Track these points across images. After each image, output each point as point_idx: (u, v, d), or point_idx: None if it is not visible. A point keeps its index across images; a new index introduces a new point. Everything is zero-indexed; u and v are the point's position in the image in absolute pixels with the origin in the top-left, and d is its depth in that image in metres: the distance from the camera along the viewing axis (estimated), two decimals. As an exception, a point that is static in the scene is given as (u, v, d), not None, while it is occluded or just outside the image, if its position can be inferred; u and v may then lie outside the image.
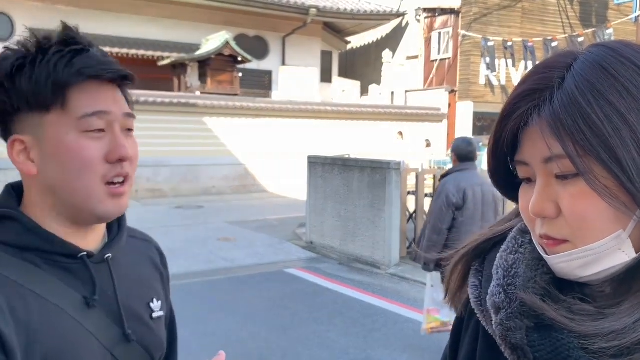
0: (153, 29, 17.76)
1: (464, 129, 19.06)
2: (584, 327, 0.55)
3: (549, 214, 0.59)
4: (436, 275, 4.13)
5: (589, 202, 0.56)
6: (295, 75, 18.86)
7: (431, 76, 20.06)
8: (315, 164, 8.82)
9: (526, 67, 18.82)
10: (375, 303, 5.88)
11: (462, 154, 4.18)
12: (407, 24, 21.38)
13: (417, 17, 20.50)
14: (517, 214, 0.72)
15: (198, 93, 16.03)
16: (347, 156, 10.19)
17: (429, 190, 7.43)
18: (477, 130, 19.96)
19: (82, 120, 0.81)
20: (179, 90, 17.27)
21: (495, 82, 19.22)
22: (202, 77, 16.80)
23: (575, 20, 20.42)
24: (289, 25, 19.71)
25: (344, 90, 19.66)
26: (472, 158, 4.22)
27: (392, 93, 19.28)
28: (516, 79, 19.41)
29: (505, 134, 0.61)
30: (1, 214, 0.82)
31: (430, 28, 20.25)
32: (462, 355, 0.74)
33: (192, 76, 17.39)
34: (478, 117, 19.98)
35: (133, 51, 17.06)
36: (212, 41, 16.71)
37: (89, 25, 16.89)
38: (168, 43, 17.97)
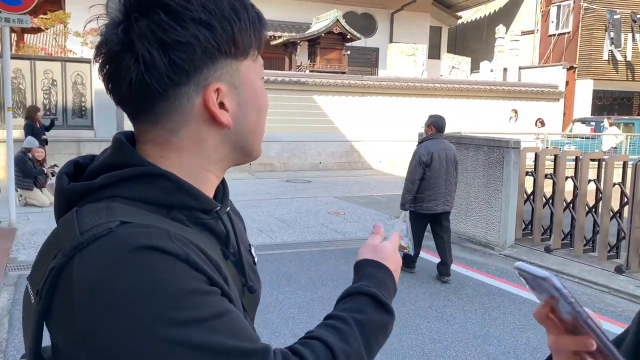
0: (267, 9, 18.26)
1: (583, 108, 17.93)
2: None
3: None
4: (406, 213, 5.79)
5: None
6: (403, 52, 18.65)
7: (548, 52, 18.98)
8: (427, 141, 8.79)
9: (658, 41, 17.23)
10: (491, 282, 5.86)
11: (439, 126, 5.92)
12: (523, -4, 20.32)
13: (535, -10, 19.40)
14: None
15: (307, 71, 16.41)
16: (460, 134, 10.03)
17: (549, 171, 7.17)
18: (597, 109, 18.67)
19: (261, 67, 0.85)
20: (290, 68, 17.78)
21: (619, 58, 17.80)
22: (312, 55, 17.14)
23: None
24: (398, 1, 19.49)
25: (454, 66, 19.15)
26: (443, 130, 5.97)
27: (505, 70, 18.51)
28: (645, 54, 17.85)
29: None
30: (151, 172, 0.77)
31: (549, 1, 19.08)
32: None
33: (301, 54, 17.80)
34: (599, 95, 18.65)
35: (247, 30, 17.79)
36: (322, 20, 16.95)
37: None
38: (280, 23, 18.51)
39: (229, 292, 0.73)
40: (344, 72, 16.74)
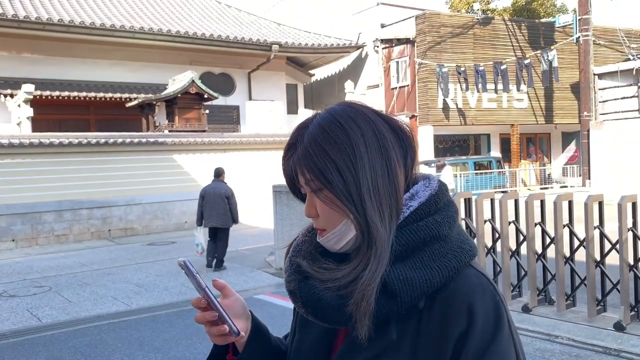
0: (121, 72, 18.20)
1: (426, 151, 19.79)
2: (323, 275, 0.89)
3: (313, 215, 0.92)
4: (200, 228, 9.50)
5: (326, 206, 0.89)
6: (262, 109, 19.40)
7: (392, 103, 20.86)
8: (280, 192, 9.28)
9: (478, 90, 19.76)
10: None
11: (216, 174, 9.55)
12: (366, 55, 22.26)
13: (375, 48, 21.40)
14: None
15: (166, 131, 16.42)
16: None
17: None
18: (440, 151, 20.73)
19: None
20: (148, 129, 17.65)
21: (452, 106, 20.09)
22: (170, 115, 17.20)
23: (525, 42, 21.56)
24: (254, 62, 20.36)
25: (309, 120, 20.24)
26: (218, 175, 9.56)
27: (356, 121, 19.93)
28: (473, 101, 20.34)
29: (287, 169, 0.96)
30: None
31: (389, 58, 21.14)
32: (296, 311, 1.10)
33: (160, 115, 17.79)
34: (439, 139, 20.78)
35: (101, 94, 17.44)
36: (178, 81, 17.18)
37: (56, 71, 17.25)
38: (136, 84, 18.41)
39: None
40: (204, 131, 16.98)
